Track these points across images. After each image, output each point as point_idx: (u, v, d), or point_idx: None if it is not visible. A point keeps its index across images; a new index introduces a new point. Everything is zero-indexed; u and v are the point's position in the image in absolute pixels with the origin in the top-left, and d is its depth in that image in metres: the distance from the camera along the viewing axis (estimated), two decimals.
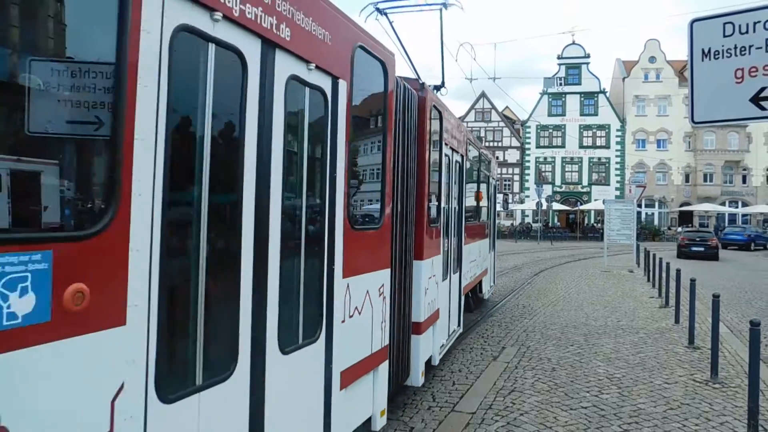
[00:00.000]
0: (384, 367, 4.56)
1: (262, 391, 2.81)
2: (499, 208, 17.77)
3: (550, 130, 51.21)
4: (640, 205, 40.97)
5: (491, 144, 51.02)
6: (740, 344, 8.31)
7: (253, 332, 2.75)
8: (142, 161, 2.03)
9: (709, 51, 3.43)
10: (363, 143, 4.40)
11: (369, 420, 4.38)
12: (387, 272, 4.62)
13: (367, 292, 4.17)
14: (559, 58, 51.10)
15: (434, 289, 6.29)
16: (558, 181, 50.94)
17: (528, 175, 51.81)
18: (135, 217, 2.00)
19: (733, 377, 6.68)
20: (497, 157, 46.98)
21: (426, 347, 5.98)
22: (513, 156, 52.40)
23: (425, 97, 5.78)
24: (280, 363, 2.95)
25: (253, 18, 2.67)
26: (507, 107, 58.16)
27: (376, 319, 4.35)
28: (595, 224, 47.70)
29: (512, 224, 48.78)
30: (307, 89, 3.27)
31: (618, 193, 47.01)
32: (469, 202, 9.08)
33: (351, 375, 3.86)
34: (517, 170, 52.24)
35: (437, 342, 6.55)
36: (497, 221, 16.07)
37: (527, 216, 50.68)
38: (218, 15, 2.43)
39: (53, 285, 1.72)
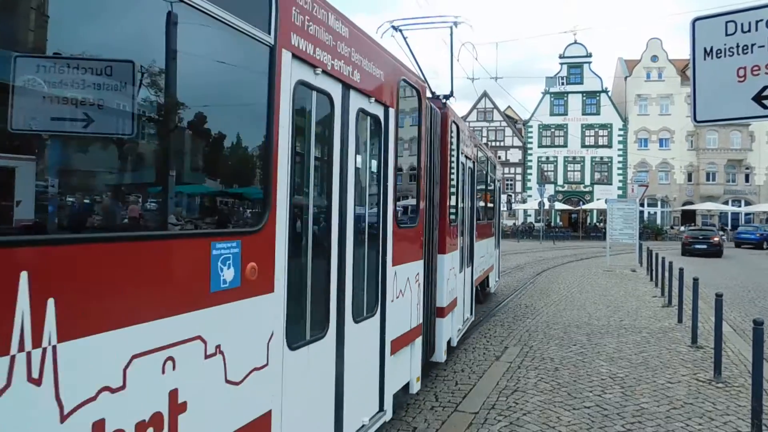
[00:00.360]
0: (419, 342, 5.48)
1: (342, 348, 3.71)
2: (502, 208, 18.37)
3: (552, 130, 51.16)
4: (642, 205, 40.90)
5: (493, 144, 51.01)
6: (743, 343, 8.30)
7: (337, 304, 3.64)
8: (281, 179, 2.92)
9: (711, 50, 3.42)
10: (403, 157, 5.19)
11: (407, 385, 5.28)
12: (421, 263, 5.56)
13: (408, 278, 5.08)
14: (560, 57, 51.04)
15: (453, 279, 7.13)
16: (560, 181, 50.89)
17: (530, 174, 51.77)
18: (278, 218, 2.89)
19: (737, 376, 6.66)
20: (499, 157, 46.98)
21: (447, 329, 6.84)
22: (515, 156, 52.36)
23: (446, 113, 6.76)
24: (353, 329, 3.86)
25: (338, 69, 3.59)
26: (509, 107, 58.11)
27: (413, 301, 5.26)
28: (597, 224, 47.64)
29: (514, 224, 48.72)
30: (369, 118, 4.21)
31: (620, 192, 46.94)
32: (479, 203, 10.06)
33: (397, 344, 4.77)
34: (519, 170, 52.19)
35: (455, 326, 7.43)
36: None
37: (529, 216, 50.64)
38: (319, 70, 3.33)
39: (241, 263, 2.61)
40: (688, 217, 48.07)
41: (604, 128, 50.17)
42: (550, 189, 45.73)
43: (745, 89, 3.29)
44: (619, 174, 49.52)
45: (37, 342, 1.70)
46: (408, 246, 5.11)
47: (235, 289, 2.58)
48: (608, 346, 8.13)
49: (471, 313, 8.94)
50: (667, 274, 12.72)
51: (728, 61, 3.34)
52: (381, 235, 4.43)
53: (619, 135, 49.69)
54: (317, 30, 3.33)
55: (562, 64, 50.95)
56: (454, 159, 7.10)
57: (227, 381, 2.55)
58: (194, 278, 2.38)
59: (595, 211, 48.73)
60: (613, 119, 49.74)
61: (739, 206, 47.52)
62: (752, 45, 3.26)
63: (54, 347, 1.74)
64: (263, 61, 2.81)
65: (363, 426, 4.08)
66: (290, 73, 3.01)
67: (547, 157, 51.37)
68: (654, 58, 49.33)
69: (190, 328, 2.32)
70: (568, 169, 51.03)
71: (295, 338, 3.14)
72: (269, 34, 2.81)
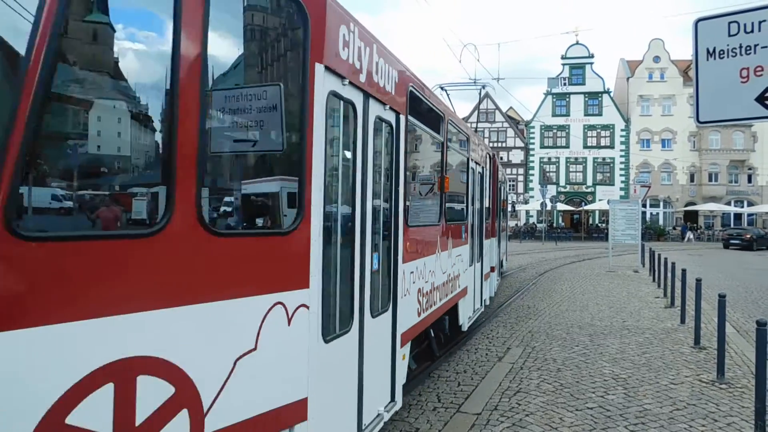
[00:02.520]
0: (488, 280, 10.86)
1: (474, 271, 9.18)
2: (508, 209, 23.12)
3: (554, 131, 51.11)
4: (644, 205, 40.79)
5: (495, 144, 50.92)
6: (747, 344, 8.28)
7: (475, 253, 9.25)
8: (470, 200, 8.86)
9: (714, 50, 3.42)
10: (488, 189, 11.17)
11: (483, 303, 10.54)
12: (489, 240, 11.26)
13: (488, 247, 10.78)
14: (562, 58, 50.99)
15: (497, 251, 12.93)
16: (562, 182, 50.83)
17: (532, 175, 51.71)
18: (470, 216, 8.81)
19: (740, 377, 6.65)
20: (501, 158, 46.90)
21: (494, 280, 12.32)
22: (517, 156, 52.31)
23: (496, 159, 12.56)
24: (475, 264, 9.31)
25: (475, 157, 9.22)
26: (511, 108, 58.09)
27: (488, 258, 10.95)
28: (599, 224, 47.57)
29: (517, 224, 48.65)
30: (479, 174, 9.78)
31: (623, 193, 46.85)
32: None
33: (485, 277, 10.34)
34: (521, 171, 52.14)
35: (496, 282, 13.06)
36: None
37: (532, 216, 50.56)
38: (473, 161, 9.11)
39: (464, 232, 8.22)
40: (690, 217, 47.97)
41: (606, 129, 50.11)
42: (552, 190, 45.66)
43: (748, 90, 3.29)
44: (621, 175, 49.45)
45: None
46: (489, 231, 10.95)
47: (464, 240, 8.02)
48: (611, 347, 8.13)
49: (499, 276, 14.77)
50: (669, 275, 12.70)
51: (731, 62, 3.35)
52: (484, 225, 10.02)
53: (622, 136, 49.62)
54: (474, 145, 8.87)
55: (564, 64, 50.91)
56: (498, 184, 12.68)
57: (462, 272, 7.91)
58: (461, 235, 7.79)
59: (597, 212, 48.66)
60: (616, 120, 49.69)
61: (742, 207, 47.40)
62: (755, 46, 3.26)
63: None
64: (465, 163, 8.45)
65: (477, 309, 9.18)
66: (469, 164, 8.53)
67: (549, 158, 51.32)
68: (656, 59, 49.26)
69: (459, 251, 7.68)
70: (570, 169, 50.97)
71: (470, 263, 8.45)
72: (467, 154, 8.50)
